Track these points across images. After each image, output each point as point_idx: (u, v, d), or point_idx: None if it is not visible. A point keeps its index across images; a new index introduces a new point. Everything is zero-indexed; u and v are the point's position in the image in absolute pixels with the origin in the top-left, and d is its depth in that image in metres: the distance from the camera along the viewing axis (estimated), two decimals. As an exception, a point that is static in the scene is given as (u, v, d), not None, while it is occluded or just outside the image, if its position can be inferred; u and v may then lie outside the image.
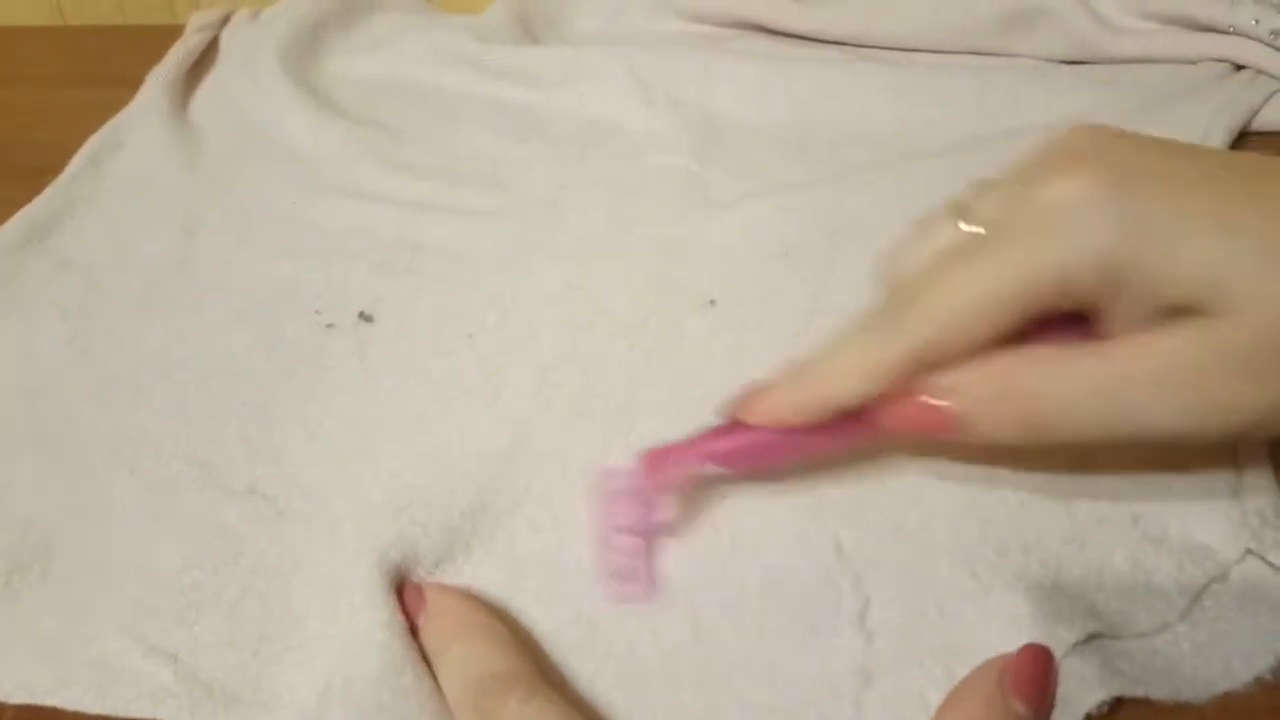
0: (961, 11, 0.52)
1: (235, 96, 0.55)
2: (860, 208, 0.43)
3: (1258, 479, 0.31)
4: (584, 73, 0.53)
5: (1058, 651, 0.26)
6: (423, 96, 0.54)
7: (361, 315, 0.41)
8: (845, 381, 0.28)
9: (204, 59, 0.59)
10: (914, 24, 0.53)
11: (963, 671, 0.27)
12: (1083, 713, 0.25)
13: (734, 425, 0.30)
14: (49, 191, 0.48)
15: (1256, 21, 0.47)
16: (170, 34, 0.60)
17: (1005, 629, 0.28)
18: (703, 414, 0.35)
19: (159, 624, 0.31)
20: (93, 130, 0.52)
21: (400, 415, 0.37)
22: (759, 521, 0.32)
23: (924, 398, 0.28)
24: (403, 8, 0.62)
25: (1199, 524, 0.30)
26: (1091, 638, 0.27)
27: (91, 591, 0.32)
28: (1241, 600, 0.28)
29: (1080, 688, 0.26)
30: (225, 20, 0.61)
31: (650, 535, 0.31)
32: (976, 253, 0.27)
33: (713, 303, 0.40)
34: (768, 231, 0.43)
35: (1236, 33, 0.48)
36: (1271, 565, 0.29)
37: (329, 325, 0.40)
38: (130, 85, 0.55)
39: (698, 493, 0.32)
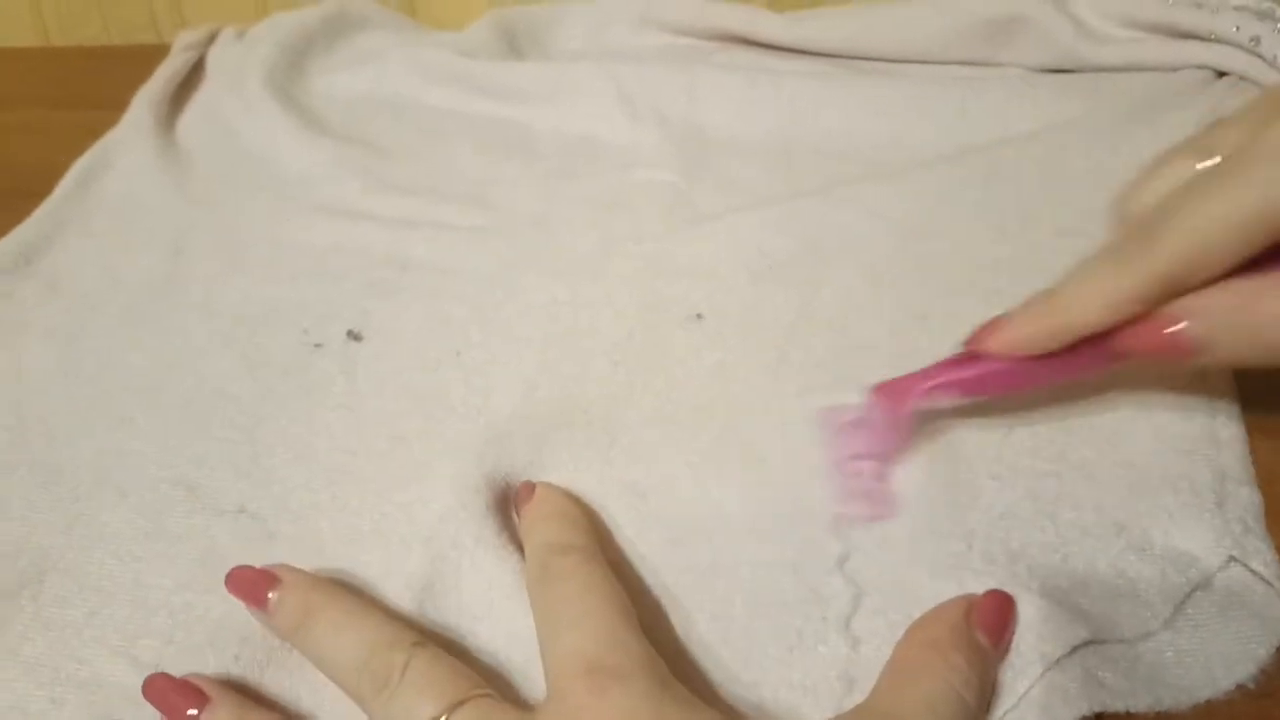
0: (945, 23, 0.52)
1: (223, 116, 0.55)
2: (846, 221, 0.43)
3: (1240, 486, 0.31)
4: (569, 88, 0.54)
5: (1042, 666, 0.26)
6: (409, 113, 0.55)
7: (350, 334, 0.41)
8: (1088, 309, 0.29)
9: (190, 79, 0.59)
10: (898, 36, 0.54)
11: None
12: None
13: (969, 356, 0.31)
14: (37, 214, 0.48)
15: (1237, 28, 0.47)
16: (156, 54, 0.60)
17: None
18: (688, 428, 0.36)
19: (151, 645, 0.31)
20: (80, 152, 0.52)
21: (387, 433, 0.37)
22: (747, 530, 0.32)
23: (1165, 323, 0.28)
24: (388, 25, 0.62)
25: (1182, 532, 0.30)
26: (1075, 649, 0.27)
27: (83, 614, 0.32)
28: (1224, 607, 0.28)
29: (1062, 701, 0.26)
30: (211, 39, 0.61)
31: (884, 459, 0.32)
32: (1218, 181, 0.28)
33: (699, 317, 0.40)
34: (754, 245, 0.43)
35: (1218, 40, 0.48)
36: (1254, 572, 0.29)
37: (317, 345, 0.41)
38: (116, 106, 0.55)
39: (925, 423, 0.33)
